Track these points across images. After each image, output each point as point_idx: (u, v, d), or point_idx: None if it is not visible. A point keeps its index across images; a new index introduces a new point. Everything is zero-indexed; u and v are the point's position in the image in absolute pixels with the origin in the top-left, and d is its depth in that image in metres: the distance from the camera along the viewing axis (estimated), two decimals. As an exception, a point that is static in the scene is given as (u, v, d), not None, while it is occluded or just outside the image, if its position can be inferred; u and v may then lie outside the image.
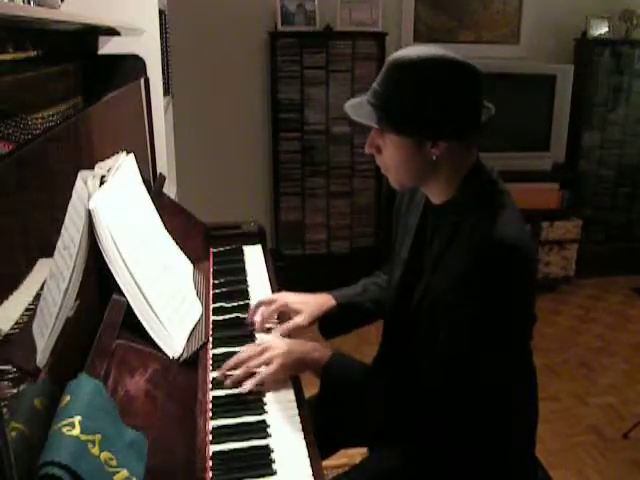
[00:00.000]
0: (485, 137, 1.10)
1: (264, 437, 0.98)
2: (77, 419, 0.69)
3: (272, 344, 1.16)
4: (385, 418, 1.15)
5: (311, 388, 1.24)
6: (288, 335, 1.31)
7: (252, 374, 1.10)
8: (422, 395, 1.09)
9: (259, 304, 1.34)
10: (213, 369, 1.15)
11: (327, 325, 1.37)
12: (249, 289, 1.50)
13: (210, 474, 0.89)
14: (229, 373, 1.11)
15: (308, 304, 1.33)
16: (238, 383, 1.09)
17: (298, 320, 1.30)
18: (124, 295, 0.99)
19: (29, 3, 1.15)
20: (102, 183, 1.04)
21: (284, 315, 1.35)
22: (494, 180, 1.12)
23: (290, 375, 1.14)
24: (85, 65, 1.50)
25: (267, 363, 1.11)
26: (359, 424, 1.31)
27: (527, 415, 1.24)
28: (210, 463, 0.91)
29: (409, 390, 1.12)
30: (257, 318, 1.32)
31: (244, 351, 1.15)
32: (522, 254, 1.03)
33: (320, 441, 1.00)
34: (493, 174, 1.13)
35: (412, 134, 1.05)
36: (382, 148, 1.10)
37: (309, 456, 0.95)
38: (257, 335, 1.29)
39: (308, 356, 1.14)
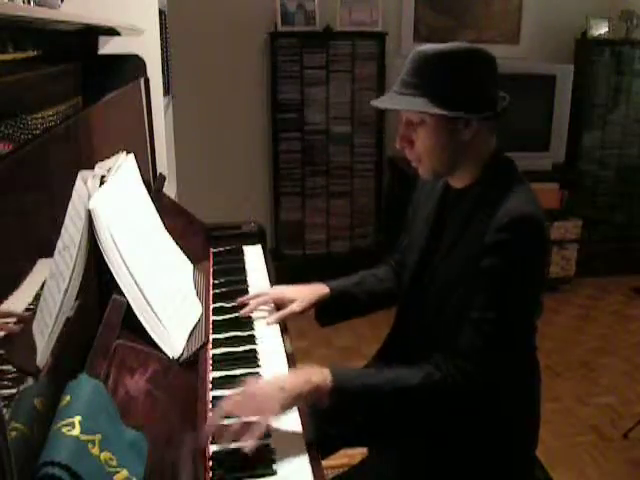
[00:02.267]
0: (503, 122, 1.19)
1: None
2: (77, 419, 0.68)
3: (262, 389, 1.02)
4: (428, 409, 1.12)
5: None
6: (284, 323, 1.35)
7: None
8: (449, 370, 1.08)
9: (255, 296, 1.39)
10: (213, 369, 1.15)
11: (322, 313, 1.40)
12: (249, 289, 1.50)
13: (210, 474, 0.89)
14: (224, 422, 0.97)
15: (302, 292, 1.38)
16: (237, 438, 0.95)
17: (293, 307, 1.35)
18: (124, 295, 0.99)
19: (29, 3, 1.15)
20: (102, 183, 1.04)
21: (279, 306, 1.39)
22: (513, 165, 1.19)
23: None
24: (85, 65, 1.50)
25: (264, 411, 0.97)
26: (382, 426, 1.25)
27: (530, 411, 1.30)
28: (210, 463, 0.91)
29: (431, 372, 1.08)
30: (251, 303, 1.37)
31: (232, 399, 0.99)
32: (540, 227, 1.09)
33: (320, 441, 1.00)
34: (514, 162, 1.20)
35: (454, 110, 1.10)
36: (415, 140, 1.16)
37: (309, 456, 0.95)
38: (256, 334, 1.30)
39: (306, 387, 1.01)
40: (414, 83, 1.12)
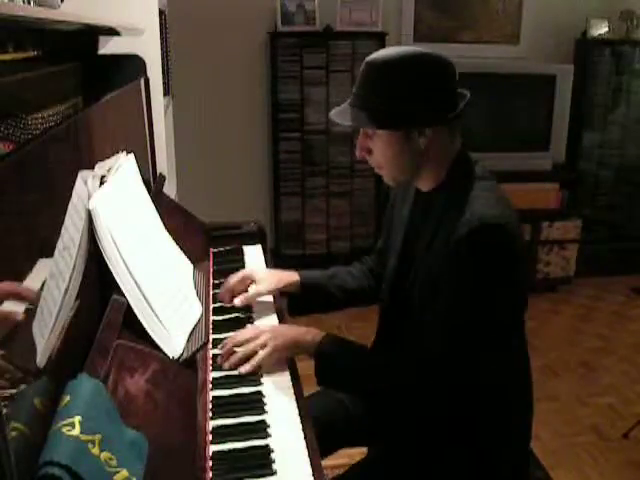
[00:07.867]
0: (464, 123, 1.17)
1: (264, 437, 0.98)
2: (77, 419, 0.68)
3: (266, 328, 1.21)
4: (387, 383, 1.16)
5: (311, 388, 1.24)
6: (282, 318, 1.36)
7: (249, 357, 1.15)
8: (423, 363, 1.11)
9: (229, 278, 1.41)
10: (213, 369, 1.15)
11: (292, 302, 1.42)
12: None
13: (210, 474, 0.89)
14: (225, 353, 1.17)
15: (270, 274, 1.41)
16: (236, 365, 1.13)
17: (259, 287, 1.36)
18: (124, 295, 0.99)
19: (29, 3, 1.15)
20: (102, 183, 1.04)
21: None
22: (472, 165, 1.16)
23: (285, 358, 1.17)
24: (85, 65, 1.50)
25: (263, 346, 1.15)
26: (356, 397, 1.35)
27: (522, 407, 1.25)
28: (210, 463, 0.91)
29: (411, 358, 1.14)
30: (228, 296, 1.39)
31: (239, 334, 1.19)
32: (502, 231, 1.06)
33: (320, 441, 1.00)
34: (478, 162, 1.18)
35: (399, 126, 1.10)
36: (372, 148, 1.15)
37: (309, 456, 0.95)
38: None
39: (301, 338, 1.17)
40: (361, 96, 1.12)
